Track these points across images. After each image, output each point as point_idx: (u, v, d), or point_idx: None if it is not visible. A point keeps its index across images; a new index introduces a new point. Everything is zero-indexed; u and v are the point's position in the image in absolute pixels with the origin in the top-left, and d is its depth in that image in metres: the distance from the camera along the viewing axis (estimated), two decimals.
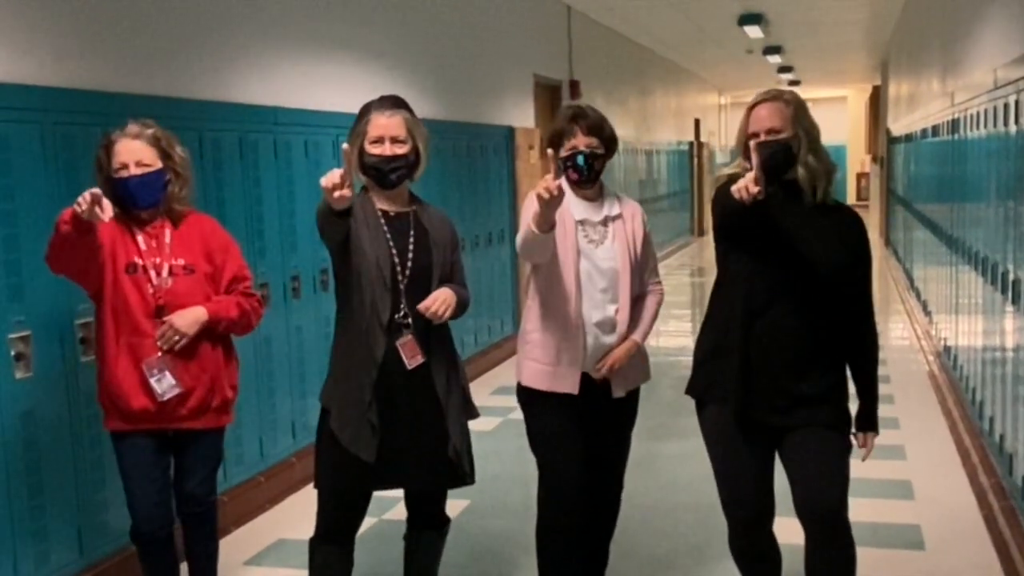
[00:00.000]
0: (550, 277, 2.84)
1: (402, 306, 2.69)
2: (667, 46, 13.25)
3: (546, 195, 2.49)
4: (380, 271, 2.67)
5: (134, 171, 2.78)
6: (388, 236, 2.71)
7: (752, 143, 2.53)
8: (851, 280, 2.60)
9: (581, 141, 2.83)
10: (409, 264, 2.71)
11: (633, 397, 2.99)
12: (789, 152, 2.54)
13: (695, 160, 17.38)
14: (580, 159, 2.82)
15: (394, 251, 2.70)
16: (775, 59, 14.43)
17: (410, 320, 2.68)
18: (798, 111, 2.58)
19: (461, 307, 2.74)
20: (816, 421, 2.57)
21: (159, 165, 2.82)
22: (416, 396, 2.70)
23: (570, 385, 2.84)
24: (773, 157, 2.51)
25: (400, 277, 2.69)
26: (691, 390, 2.74)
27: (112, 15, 3.61)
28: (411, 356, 2.68)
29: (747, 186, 2.41)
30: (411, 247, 2.72)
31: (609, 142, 2.89)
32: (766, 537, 2.70)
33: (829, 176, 2.59)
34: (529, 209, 2.67)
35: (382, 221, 2.73)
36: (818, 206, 2.57)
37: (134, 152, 2.79)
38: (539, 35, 8.56)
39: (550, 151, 2.89)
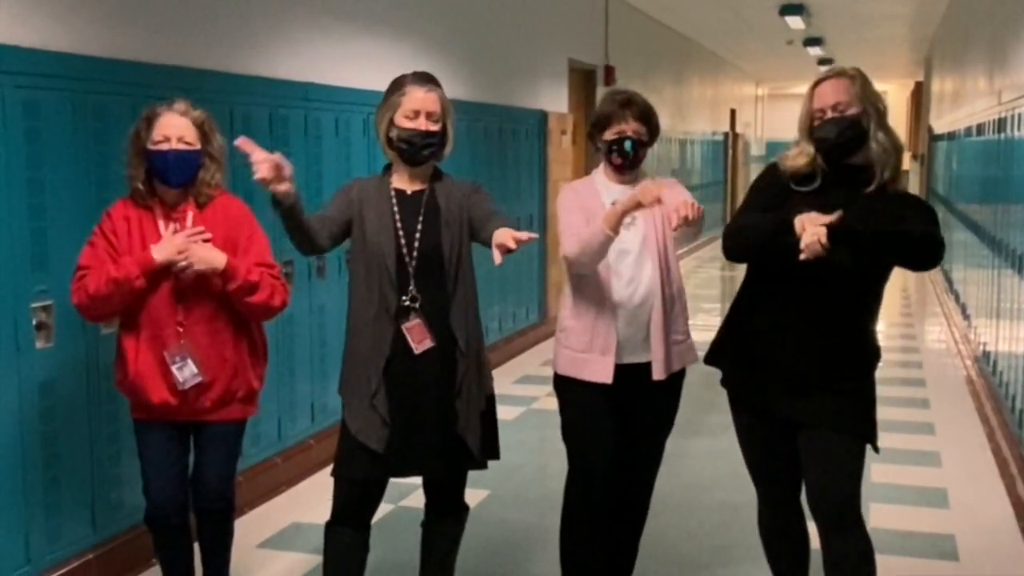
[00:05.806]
0: None
1: (410, 289, 2.61)
2: (705, 34, 13.05)
3: (650, 204, 2.52)
4: (384, 255, 2.59)
5: (175, 146, 2.72)
6: (397, 217, 2.64)
7: (816, 124, 2.45)
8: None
9: (630, 127, 2.79)
10: (416, 244, 2.63)
11: (674, 390, 2.89)
12: (859, 128, 2.44)
13: (730, 151, 17.17)
14: (628, 144, 2.79)
15: (401, 232, 2.63)
16: (815, 51, 14.18)
17: (419, 304, 2.61)
18: (865, 86, 2.48)
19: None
20: (829, 418, 2.50)
21: (198, 147, 2.76)
22: (429, 381, 2.62)
23: (602, 374, 2.76)
24: (842, 135, 2.43)
25: (408, 259, 2.62)
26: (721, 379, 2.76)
27: None
28: (419, 340, 2.60)
29: (819, 240, 2.28)
30: (419, 227, 2.64)
31: (654, 131, 2.86)
32: (790, 514, 2.71)
33: (898, 154, 2.48)
34: (572, 212, 2.73)
35: (393, 201, 2.65)
36: (881, 196, 2.44)
37: (178, 128, 2.73)
38: (575, 19, 8.43)
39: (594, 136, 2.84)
